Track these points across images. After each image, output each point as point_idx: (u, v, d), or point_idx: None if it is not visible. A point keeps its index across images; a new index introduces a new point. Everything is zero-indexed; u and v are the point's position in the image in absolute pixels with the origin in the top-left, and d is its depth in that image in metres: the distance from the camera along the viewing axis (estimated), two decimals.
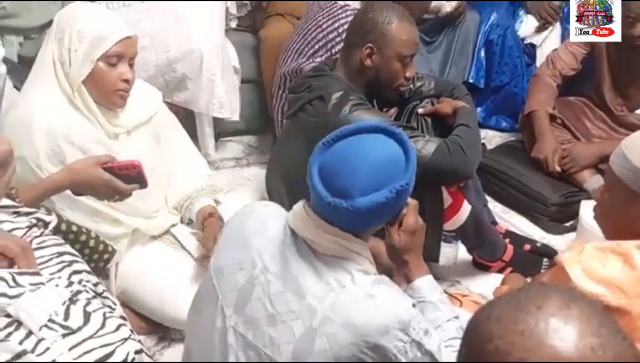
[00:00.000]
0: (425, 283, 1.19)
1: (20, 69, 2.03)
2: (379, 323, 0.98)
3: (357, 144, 1.02)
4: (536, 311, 0.57)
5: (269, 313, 1.02)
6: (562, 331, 0.56)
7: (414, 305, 1.03)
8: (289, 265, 1.04)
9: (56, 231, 1.38)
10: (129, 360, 1.06)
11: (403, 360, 0.98)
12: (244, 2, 2.57)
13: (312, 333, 0.99)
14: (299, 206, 1.09)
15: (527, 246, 2.00)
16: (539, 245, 2.02)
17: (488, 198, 2.17)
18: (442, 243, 1.87)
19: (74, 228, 1.51)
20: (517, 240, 2.02)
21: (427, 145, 1.58)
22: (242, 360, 1.03)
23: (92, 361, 1.02)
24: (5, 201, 1.29)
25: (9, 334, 1.00)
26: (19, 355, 0.97)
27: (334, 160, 1.02)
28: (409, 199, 1.14)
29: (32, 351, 0.99)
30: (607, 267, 1.11)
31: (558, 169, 2.23)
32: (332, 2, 2.05)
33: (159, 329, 1.73)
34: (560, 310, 0.57)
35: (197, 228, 1.79)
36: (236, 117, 2.40)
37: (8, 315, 1.03)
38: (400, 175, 1.01)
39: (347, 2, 2.03)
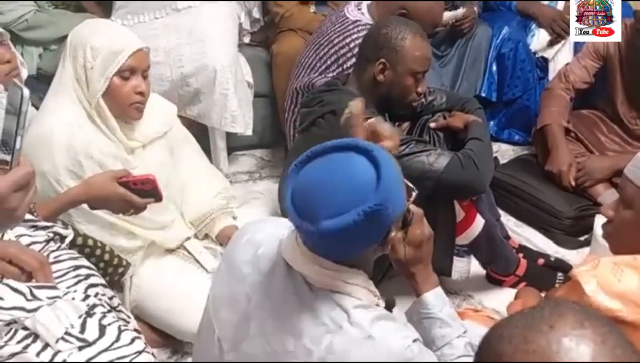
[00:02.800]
0: (433, 297, 1.15)
1: (37, 85, 2.07)
2: None
3: (327, 165, 0.95)
4: (548, 330, 0.55)
5: (265, 350, 0.99)
6: (574, 352, 0.53)
7: (415, 340, 0.98)
8: (284, 302, 0.99)
9: (72, 245, 1.40)
10: None
11: None
12: (257, 17, 2.60)
13: None
14: (291, 236, 1.03)
15: (541, 261, 1.99)
16: (552, 259, 2.00)
17: (501, 212, 2.16)
18: (455, 257, 1.86)
19: (90, 242, 1.53)
20: (531, 254, 2.01)
21: (439, 159, 1.58)
22: None
23: None
24: None
25: (27, 346, 1.02)
26: None
27: (303, 182, 0.95)
28: (414, 209, 1.09)
29: None
30: (623, 282, 1.09)
31: (573, 183, 2.21)
32: (344, 17, 2.07)
33: (172, 343, 1.73)
34: (574, 329, 0.55)
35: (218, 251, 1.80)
36: (249, 131, 2.41)
37: (26, 328, 1.05)
38: (370, 196, 0.90)
39: (358, 18, 2.04)
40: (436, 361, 1.01)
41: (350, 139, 0.99)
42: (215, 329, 1.05)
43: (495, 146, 2.68)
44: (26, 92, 0.83)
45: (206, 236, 1.89)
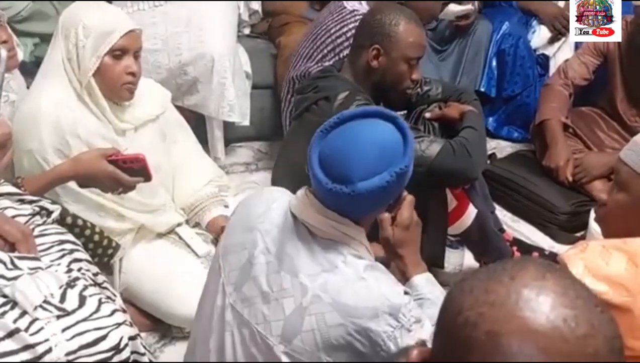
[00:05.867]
0: (422, 280, 1.17)
1: (34, 70, 2.07)
2: (368, 306, 0.97)
3: (356, 129, 1.02)
4: (509, 281, 0.54)
5: (263, 291, 1.04)
6: (534, 302, 0.52)
7: (406, 293, 1.02)
8: (287, 245, 1.05)
9: (61, 224, 1.39)
10: (122, 345, 1.06)
11: (392, 346, 0.97)
12: (256, 9, 2.60)
13: (301, 312, 0.99)
14: (301, 191, 1.10)
15: (535, 254, 1.97)
16: (547, 253, 1.99)
17: (497, 206, 2.14)
18: (448, 249, 1.85)
19: (79, 222, 1.52)
20: (525, 247, 2.00)
21: (431, 146, 1.57)
22: (237, 338, 1.04)
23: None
24: (11, 189, 1.31)
25: (4, 313, 1.01)
26: (12, 333, 0.98)
27: (333, 146, 1.02)
28: (406, 194, 1.13)
29: (26, 330, 0.99)
30: (610, 265, 1.08)
31: (570, 178, 2.20)
32: (342, 7, 2.07)
33: (160, 326, 1.72)
34: (535, 280, 0.54)
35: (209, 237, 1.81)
36: (246, 121, 2.41)
37: (5, 296, 1.04)
38: (400, 158, 1.00)
39: (356, 7, 2.04)
40: (424, 317, 1.03)
41: (374, 107, 1.08)
42: (222, 274, 1.09)
43: (494, 142, 2.67)
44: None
45: (197, 224, 1.88)
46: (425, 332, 1.00)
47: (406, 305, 0.99)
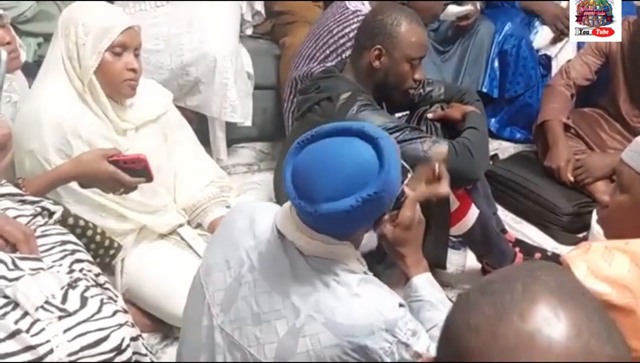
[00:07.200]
0: (423, 281, 1.15)
1: (36, 71, 2.07)
2: (364, 323, 0.94)
3: (330, 148, 0.96)
4: (519, 322, 0.51)
5: (254, 312, 1.00)
6: (545, 349, 0.50)
7: (401, 305, 0.99)
8: (275, 264, 1.01)
9: (63, 225, 1.39)
10: (124, 346, 1.06)
11: (389, 362, 0.95)
12: (258, 10, 2.59)
13: (295, 333, 0.96)
14: (286, 206, 1.05)
15: (538, 255, 1.97)
16: (549, 254, 1.98)
17: (500, 207, 2.14)
18: (450, 250, 1.84)
19: (81, 223, 1.52)
20: (528, 248, 1.99)
21: (433, 146, 1.57)
22: (229, 360, 1.02)
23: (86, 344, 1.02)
24: (12, 189, 1.31)
25: (5, 313, 1.01)
26: (13, 334, 0.98)
27: (306, 162, 0.97)
28: (408, 192, 1.11)
29: (27, 331, 0.99)
30: (613, 266, 1.07)
31: (571, 178, 2.19)
32: (344, 7, 2.07)
33: (162, 327, 1.72)
34: (546, 321, 0.51)
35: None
36: (248, 122, 2.41)
37: (6, 297, 1.04)
38: (371, 183, 0.93)
39: (358, 8, 2.04)
40: (420, 328, 1.01)
41: (356, 123, 1.01)
42: (206, 295, 1.06)
43: (496, 143, 2.67)
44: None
45: (199, 225, 1.88)
46: (422, 343, 0.98)
47: (402, 319, 0.97)
